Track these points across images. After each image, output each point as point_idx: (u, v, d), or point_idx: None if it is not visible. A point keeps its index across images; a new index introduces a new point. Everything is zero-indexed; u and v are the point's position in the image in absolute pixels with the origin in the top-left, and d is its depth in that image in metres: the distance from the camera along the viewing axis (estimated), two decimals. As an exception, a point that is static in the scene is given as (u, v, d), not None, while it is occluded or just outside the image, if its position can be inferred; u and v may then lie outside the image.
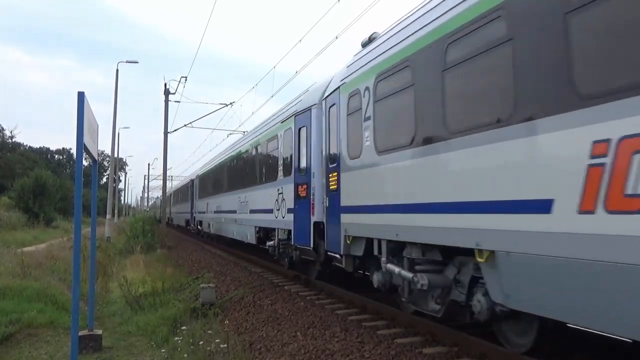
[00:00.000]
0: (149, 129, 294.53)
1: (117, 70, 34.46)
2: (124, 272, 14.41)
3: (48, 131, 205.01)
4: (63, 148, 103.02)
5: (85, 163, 30.35)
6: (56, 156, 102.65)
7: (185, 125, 30.09)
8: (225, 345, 6.64)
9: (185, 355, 6.67)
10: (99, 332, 7.81)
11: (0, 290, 10.06)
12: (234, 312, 9.54)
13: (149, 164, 73.62)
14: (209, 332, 7.57)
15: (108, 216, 30.96)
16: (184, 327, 8.16)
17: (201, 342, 7.00)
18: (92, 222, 8.21)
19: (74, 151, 20.04)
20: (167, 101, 26.79)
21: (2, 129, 79.02)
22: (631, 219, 3.52)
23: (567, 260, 4.04)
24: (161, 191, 33.49)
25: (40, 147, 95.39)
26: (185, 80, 26.94)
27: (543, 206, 4.27)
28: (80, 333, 6.99)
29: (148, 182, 75.13)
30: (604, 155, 3.73)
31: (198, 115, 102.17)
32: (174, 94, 26.99)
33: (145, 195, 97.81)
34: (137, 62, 48.15)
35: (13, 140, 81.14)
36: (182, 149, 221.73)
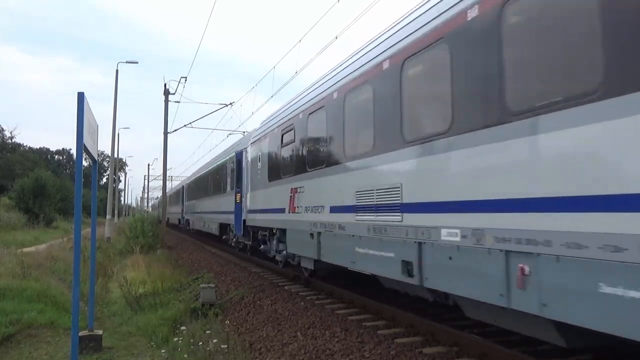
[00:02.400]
0: (149, 129, 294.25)
1: (117, 71, 34.50)
2: (124, 273, 14.41)
3: (48, 131, 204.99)
4: (63, 148, 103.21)
5: (85, 163, 30.39)
6: (56, 157, 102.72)
7: (185, 125, 30.07)
8: (226, 346, 6.64)
9: (186, 355, 6.68)
10: (99, 332, 7.81)
11: (0, 291, 10.06)
12: (234, 312, 9.54)
13: (148, 164, 73.63)
14: (209, 332, 7.57)
15: (108, 216, 30.95)
16: (184, 328, 8.16)
17: (201, 343, 7.00)
18: (92, 223, 8.21)
19: (73, 152, 20.02)
20: (167, 101, 26.75)
21: (2, 129, 79.16)
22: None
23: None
24: (161, 191, 33.43)
25: (40, 148, 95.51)
26: (185, 80, 26.88)
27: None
28: (81, 333, 6.99)
29: (148, 182, 75.16)
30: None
31: (198, 116, 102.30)
32: (173, 94, 26.93)
33: (146, 195, 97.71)
34: (136, 63, 48.23)
35: (13, 140, 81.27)
36: (182, 149, 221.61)
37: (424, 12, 6.16)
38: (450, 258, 5.33)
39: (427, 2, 6.24)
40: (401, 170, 6.37)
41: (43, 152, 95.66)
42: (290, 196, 10.46)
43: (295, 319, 8.44)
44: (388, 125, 6.68)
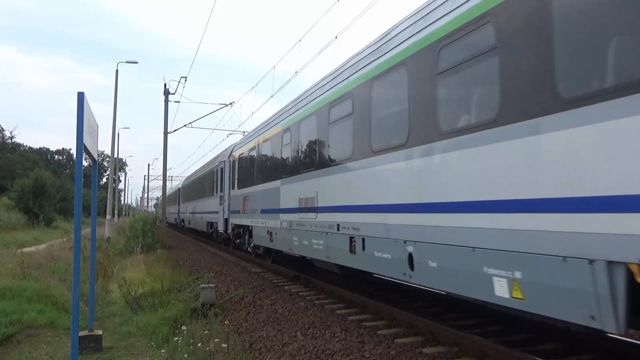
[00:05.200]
0: (149, 129, 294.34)
1: (117, 71, 34.50)
2: (124, 273, 14.40)
3: (48, 131, 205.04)
4: (63, 148, 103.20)
5: (85, 163, 30.41)
6: (56, 157, 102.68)
7: (185, 125, 30.05)
8: (226, 345, 6.64)
9: (186, 355, 6.67)
10: (99, 332, 7.81)
11: (0, 291, 10.06)
12: (234, 312, 9.54)
13: (148, 164, 73.67)
14: (209, 332, 7.57)
15: (108, 216, 30.95)
16: (184, 328, 8.16)
17: (201, 343, 7.00)
18: (92, 223, 8.21)
19: (73, 152, 19.96)
20: (167, 101, 26.74)
21: (2, 129, 79.13)
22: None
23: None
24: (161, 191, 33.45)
25: (40, 148, 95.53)
26: (185, 80, 26.86)
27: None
28: (81, 333, 6.99)
29: (148, 182, 75.16)
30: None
31: (198, 116, 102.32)
32: (173, 94, 26.90)
33: (146, 195, 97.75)
34: (136, 63, 48.20)
35: (13, 140, 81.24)
36: (182, 149, 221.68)
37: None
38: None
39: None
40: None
41: (43, 152, 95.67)
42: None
43: (295, 319, 8.44)
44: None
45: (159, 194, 58.65)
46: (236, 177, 16.88)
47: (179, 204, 42.18)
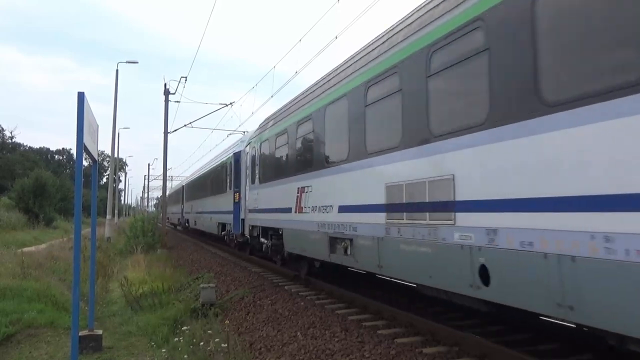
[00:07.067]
0: (149, 129, 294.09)
1: (117, 71, 34.50)
2: (124, 273, 14.40)
3: (48, 131, 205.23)
4: (63, 148, 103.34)
5: (85, 163, 30.37)
6: (56, 156, 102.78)
7: (185, 125, 30.04)
8: (226, 345, 6.64)
9: (186, 355, 6.68)
10: (99, 332, 7.81)
11: (0, 291, 10.05)
12: (234, 312, 9.54)
13: (149, 164, 73.74)
14: (209, 332, 7.57)
15: (108, 216, 30.95)
16: (184, 327, 8.16)
17: (201, 342, 7.00)
18: (92, 223, 8.21)
19: (73, 151, 20.09)
20: (167, 101, 26.71)
21: (2, 129, 79.19)
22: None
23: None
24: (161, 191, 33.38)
25: (40, 148, 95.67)
26: (185, 80, 26.80)
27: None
28: (81, 333, 6.99)
29: (148, 182, 75.15)
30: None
31: (198, 116, 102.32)
32: (173, 94, 26.86)
33: (146, 195, 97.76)
34: (136, 62, 48.22)
35: (13, 140, 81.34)
36: (182, 149, 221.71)
37: None
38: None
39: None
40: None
41: (43, 152, 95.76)
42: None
43: (295, 319, 8.44)
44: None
45: (159, 193, 58.66)
46: None
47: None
